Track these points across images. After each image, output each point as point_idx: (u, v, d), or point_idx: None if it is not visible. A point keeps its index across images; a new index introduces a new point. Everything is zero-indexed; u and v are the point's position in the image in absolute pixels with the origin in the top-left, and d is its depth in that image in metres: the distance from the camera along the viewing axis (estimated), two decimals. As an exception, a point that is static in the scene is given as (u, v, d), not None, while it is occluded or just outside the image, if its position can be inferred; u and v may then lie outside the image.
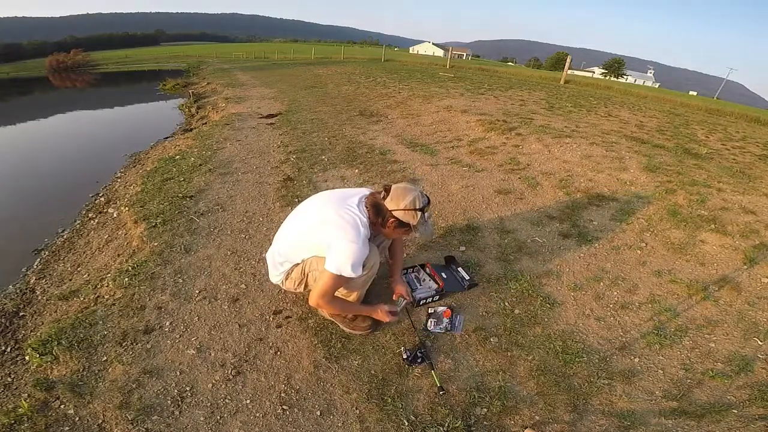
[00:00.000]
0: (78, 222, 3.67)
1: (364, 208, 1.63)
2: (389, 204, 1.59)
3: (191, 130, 6.81)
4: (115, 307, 2.01)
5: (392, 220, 1.57)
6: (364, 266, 1.60)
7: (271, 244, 1.89)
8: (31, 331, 2.08)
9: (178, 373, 1.65)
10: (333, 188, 2.05)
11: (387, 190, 1.64)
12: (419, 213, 1.57)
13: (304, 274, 1.77)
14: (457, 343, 1.84)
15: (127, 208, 3.29)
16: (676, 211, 2.98)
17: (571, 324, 1.99)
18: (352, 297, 1.79)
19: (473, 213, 3.05)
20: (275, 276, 1.88)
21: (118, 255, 2.69)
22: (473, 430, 1.45)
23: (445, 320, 1.91)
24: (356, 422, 1.48)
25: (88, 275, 2.54)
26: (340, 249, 1.53)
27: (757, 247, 2.55)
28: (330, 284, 1.57)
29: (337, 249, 1.54)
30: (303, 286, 1.83)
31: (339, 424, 1.48)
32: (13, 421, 1.43)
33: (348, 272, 1.53)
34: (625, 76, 73.61)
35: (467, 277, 2.19)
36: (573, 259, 2.50)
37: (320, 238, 1.61)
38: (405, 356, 1.70)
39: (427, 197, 1.64)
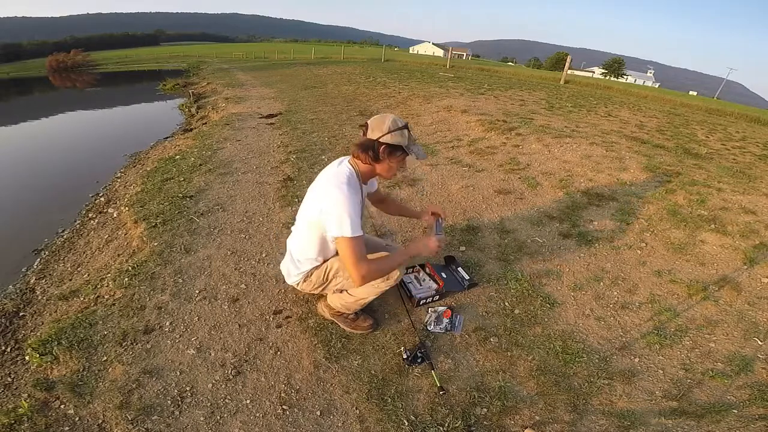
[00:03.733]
0: (78, 222, 3.67)
1: (348, 163, 1.61)
2: (372, 135, 1.52)
3: (191, 130, 6.81)
4: (115, 307, 2.01)
5: (384, 146, 1.51)
6: (387, 277, 1.64)
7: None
8: (31, 331, 2.08)
9: (178, 373, 1.65)
10: None
11: (364, 126, 1.57)
12: (406, 131, 1.52)
13: (326, 279, 1.75)
14: (457, 343, 1.84)
15: (127, 208, 3.29)
16: (676, 211, 2.98)
17: (571, 324, 1.99)
18: (360, 303, 1.77)
19: (473, 213, 3.05)
20: (292, 277, 1.83)
21: (118, 255, 2.69)
22: (473, 430, 1.44)
23: (445, 320, 1.91)
24: (356, 422, 1.48)
25: (88, 275, 2.54)
26: (333, 210, 1.48)
27: (757, 247, 2.55)
28: (350, 250, 1.48)
29: (330, 212, 1.49)
30: (321, 288, 1.82)
31: (339, 424, 1.48)
32: (13, 421, 1.43)
33: (348, 229, 1.45)
34: (625, 76, 73.55)
35: (467, 277, 2.19)
36: (573, 259, 2.50)
37: (316, 210, 1.56)
38: (405, 356, 1.70)
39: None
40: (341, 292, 1.79)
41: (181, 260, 2.40)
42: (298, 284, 1.84)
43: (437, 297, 2.07)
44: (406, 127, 1.53)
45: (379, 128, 1.50)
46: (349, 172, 1.57)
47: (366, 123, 1.56)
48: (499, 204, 3.20)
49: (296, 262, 1.79)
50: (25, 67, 38.15)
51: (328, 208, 1.50)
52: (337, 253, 1.70)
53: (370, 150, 1.52)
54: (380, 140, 1.50)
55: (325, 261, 1.76)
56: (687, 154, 4.59)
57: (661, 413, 1.53)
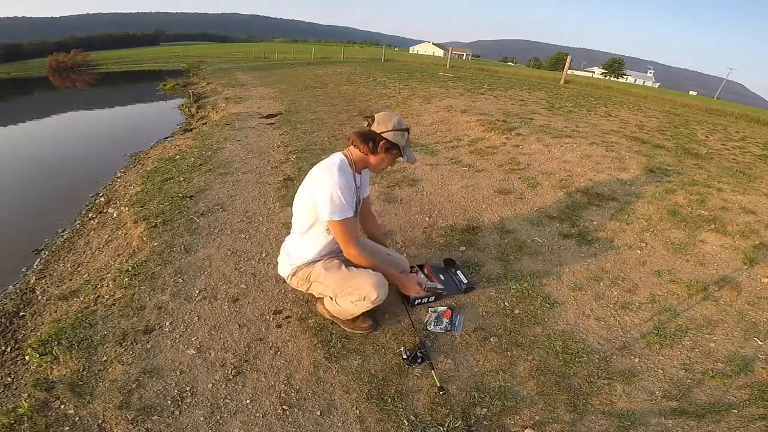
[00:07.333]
0: (78, 222, 3.67)
1: (342, 153, 1.68)
2: (377, 128, 1.63)
3: (191, 130, 6.81)
4: (115, 307, 2.01)
5: (383, 141, 1.62)
6: (364, 298, 1.66)
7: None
8: (31, 331, 2.08)
9: (178, 373, 1.65)
10: None
11: (370, 118, 1.67)
12: (407, 133, 1.65)
13: (309, 281, 1.78)
14: (457, 343, 1.84)
15: (127, 208, 3.29)
16: (676, 211, 2.98)
17: (571, 324, 1.99)
18: (345, 315, 1.80)
19: (473, 213, 3.05)
20: (284, 268, 1.85)
21: (118, 255, 2.69)
22: (473, 430, 1.44)
23: (445, 320, 1.91)
24: (356, 422, 1.48)
25: (88, 275, 2.54)
26: (324, 192, 1.56)
27: (757, 247, 2.55)
28: (341, 231, 1.61)
29: (322, 195, 1.57)
30: (305, 288, 1.84)
31: (339, 424, 1.48)
32: (13, 421, 1.43)
33: (336, 212, 1.56)
34: (625, 76, 73.51)
35: (465, 281, 2.18)
36: (573, 259, 2.50)
37: (309, 197, 1.65)
38: (405, 356, 1.70)
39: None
40: (330, 299, 1.81)
41: (181, 260, 2.40)
42: (288, 277, 1.85)
43: (432, 298, 2.06)
44: (407, 130, 1.66)
45: (384, 123, 1.62)
46: (340, 160, 1.64)
47: (372, 115, 1.66)
48: (499, 204, 3.20)
49: (289, 256, 1.83)
50: (25, 67, 38.17)
51: (318, 194, 1.59)
52: (323, 258, 1.79)
53: (370, 141, 1.62)
54: (383, 135, 1.61)
55: (316, 262, 1.77)
56: (687, 154, 4.59)
57: (661, 413, 1.53)
